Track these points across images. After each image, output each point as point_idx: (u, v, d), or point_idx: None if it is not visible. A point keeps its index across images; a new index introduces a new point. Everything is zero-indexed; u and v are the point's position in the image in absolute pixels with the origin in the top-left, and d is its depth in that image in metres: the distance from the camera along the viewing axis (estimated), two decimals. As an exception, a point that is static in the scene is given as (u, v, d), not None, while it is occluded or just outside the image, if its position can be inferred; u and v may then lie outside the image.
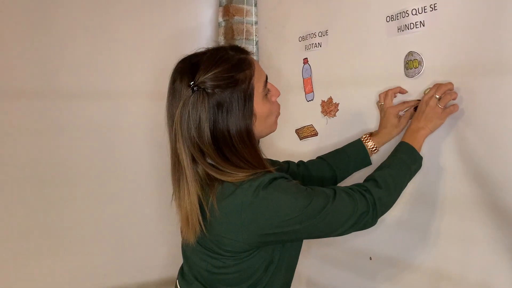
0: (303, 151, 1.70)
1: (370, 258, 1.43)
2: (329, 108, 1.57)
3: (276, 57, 1.83)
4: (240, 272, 1.10)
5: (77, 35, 1.62)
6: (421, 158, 1.20)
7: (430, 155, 1.24)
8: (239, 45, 1.14)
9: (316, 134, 1.64)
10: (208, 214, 1.05)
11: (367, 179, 1.15)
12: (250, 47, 1.95)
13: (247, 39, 1.94)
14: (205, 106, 1.03)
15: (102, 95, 1.66)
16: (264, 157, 1.15)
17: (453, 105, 1.16)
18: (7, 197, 1.53)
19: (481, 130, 1.13)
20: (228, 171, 1.04)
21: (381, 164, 1.19)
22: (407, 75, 1.29)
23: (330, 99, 1.57)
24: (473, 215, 1.15)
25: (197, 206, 1.06)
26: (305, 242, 1.65)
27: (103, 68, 1.65)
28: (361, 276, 1.47)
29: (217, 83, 1.03)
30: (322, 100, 1.60)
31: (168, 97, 1.08)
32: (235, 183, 1.03)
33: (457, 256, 1.19)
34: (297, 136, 1.72)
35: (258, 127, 1.11)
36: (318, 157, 1.44)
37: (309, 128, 1.66)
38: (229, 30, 1.93)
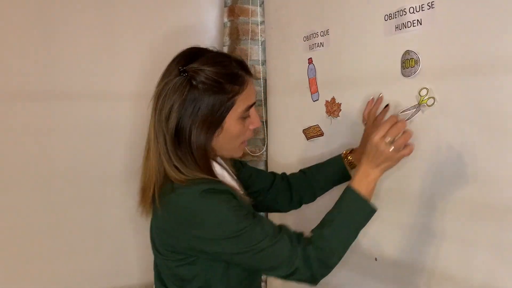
0: (310, 151, 1.69)
1: (376, 259, 1.41)
2: (332, 108, 1.56)
3: (282, 57, 1.83)
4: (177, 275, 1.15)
5: (77, 35, 1.65)
6: (370, 207, 1.12)
7: (436, 158, 1.21)
8: (246, 63, 1.16)
9: (322, 134, 1.63)
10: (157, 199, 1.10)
11: (314, 233, 1.12)
12: (256, 47, 1.95)
13: (252, 39, 1.94)
14: (183, 95, 1.05)
15: (102, 95, 1.69)
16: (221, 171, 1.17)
17: (408, 146, 1.10)
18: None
19: (483, 130, 1.09)
20: (177, 165, 1.07)
21: (326, 217, 1.14)
22: (403, 74, 1.27)
23: (333, 99, 1.55)
24: (479, 217, 1.12)
25: (153, 181, 1.10)
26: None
27: (104, 68, 1.67)
28: (366, 277, 1.45)
29: (204, 80, 1.06)
30: (326, 100, 1.59)
31: (163, 72, 1.12)
32: (175, 183, 1.06)
33: (462, 258, 1.16)
34: (304, 136, 1.71)
35: (220, 141, 1.12)
36: (300, 170, 1.47)
37: (315, 128, 1.65)
38: (234, 31, 1.93)
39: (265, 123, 1.96)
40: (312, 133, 1.68)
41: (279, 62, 1.86)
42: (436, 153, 1.21)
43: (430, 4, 1.18)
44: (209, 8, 1.92)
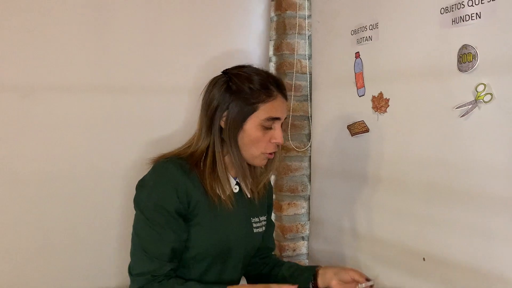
0: (355, 147, 1.67)
1: (424, 259, 1.38)
2: (379, 103, 1.53)
3: (329, 52, 1.81)
4: None
5: (131, 31, 1.66)
6: None
7: (491, 156, 1.17)
8: (282, 83, 1.33)
9: (367, 131, 1.60)
10: None
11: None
12: (302, 42, 1.93)
13: (299, 33, 1.93)
14: (220, 91, 1.26)
15: (154, 90, 1.69)
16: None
17: None
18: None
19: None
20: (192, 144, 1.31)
21: None
22: (460, 69, 1.23)
23: (381, 94, 1.52)
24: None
25: None
26: (354, 237, 1.64)
27: (156, 64, 1.67)
28: (414, 277, 1.42)
29: (238, 82, 1.25)
30: (373, 96, 1.56)
31: None
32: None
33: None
34: (348, 132, 1.69)
35: (240, 143, 1.26)
36: (280, 263, 1.52)
37: (360, 124, 1.63)
38: (281, 25, 1.92)
39: (310, 118, 1.94)
40: (357, 129, 1.65)
41: (325, 57, 1.84)
42: (493, 151, 1.17)
43: (490, -3, 1.14)
44: (256, 2, 1.90)
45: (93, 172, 1.61)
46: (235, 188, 1.33)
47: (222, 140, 1.28)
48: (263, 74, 1.29)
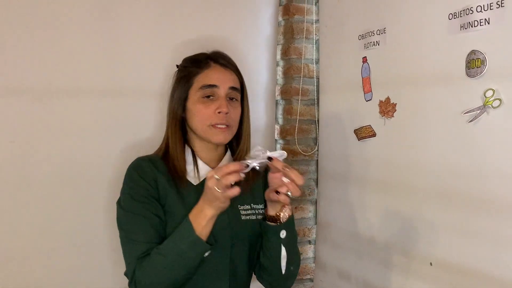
0: (361, 152, 1.68)
1: (431, 264, 1.38)
2: (386, 108, 1.53)
3: (336, 56, 1.82)
4: None
5: (138, 36, 1.68)
6: (200, 241, 1.12)
7: (500, 161, 1.18)
8: (220, 54, 1.34)
9: (374, 135, 1.61)
10: None
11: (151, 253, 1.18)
12: (310, 46, 1.94)
13: (307, 38, 1.93)
14: (173, 83, 1.34)
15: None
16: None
17: (234, 188, 1.07)
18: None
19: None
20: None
21: (161, 246, 1.17)
22: (468, 74, 1.23)
23: (388, 99, 1.53)
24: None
25: None
26: (361, 242, 1.63)
27: (164, 68, 1.67)
28: (421, 282, 1.42)
29: (180, 68, 1.34)
30: (380, 100, 1.57)
31: None
32: None
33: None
34: (355, 136, 1.70)
35: (190, 121, 1.29)
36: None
37: (367, 129, 1.63)
38: (289, 29, 1.93)
39: (317, 122, 1.95)
40: (364, 133, 1.66)
41: (332, 61, 1.85)
42: (502, 156, 1.17)
43: (499, 3, 1.15)
44: (264, 7, 1.91)
45: (88, 175, 1.61)
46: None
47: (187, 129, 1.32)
48: (200, 53, 1.34)
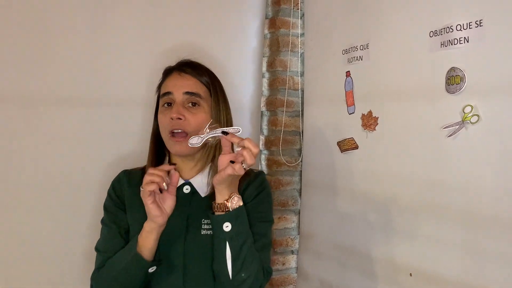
0: (344, 164, 1.70)
1: (410, 275, 1.41)
2: (369, 121, 1.57)
3: (321, 69, 1.85)
4: None
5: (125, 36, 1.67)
6: (139, 256, 1.11)
7: (477, 175, 1.21)
8: (186, 61, 1.31)
9: (356, 147, 1.64)
10: None
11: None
12: (295, 59, 1.97)
13: (292, 51, 1.96)
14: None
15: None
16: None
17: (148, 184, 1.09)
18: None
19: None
20: None
21: (113, 258, 1.19)
22: (448, 90, 1.27)
23: (370, 112, 1.56)
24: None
25: None
26: (343, 252, 1.65)
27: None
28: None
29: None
30: (362, 114, 1.60)
31: None
32: None
33: (502, 276, 1.16)
34: (338, 148, 1.72)
35: (160, 132, 1.26)
36: None
37: (350, 141, 1.66)
38: (275, 42, 1.96)
39: (301, 133, 1.98)
40: (346, 145, 1.68)
41: (317, 74, 1.88)
42: (479, 170, 1.21)
43: (478, 22, 1.19)
44: (250, 20, 1.94)
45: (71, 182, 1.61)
46: (186, 189, 1.24)
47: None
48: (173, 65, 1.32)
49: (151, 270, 1.13)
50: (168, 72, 1.30)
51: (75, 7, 1.58)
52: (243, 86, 1.94)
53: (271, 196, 1.34)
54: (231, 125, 1.28)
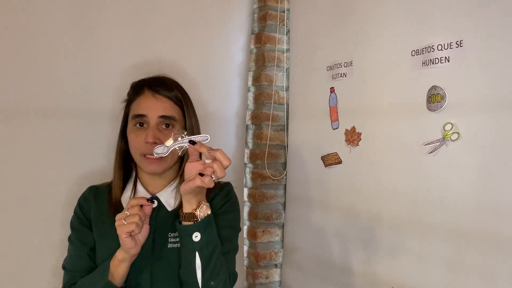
0: (328, 178, 1.72)
1: (392, 288, 1.43)
2: (352, 137, 1.59)
3: (305, 85, 1.87)
4: None
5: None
6: (110, 285, 1.11)
7: (457, 191, 1.24)
8: (160, 81, 1.27)
9: (340, 162, 1.66)
10: None
11: None
12: (280, 74, 2.00)
13: (277, 66, 1.99)
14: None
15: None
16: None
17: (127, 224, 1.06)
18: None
19: (508, 166, 1.13)
20: None
21: (83, 280, 1.18)
22: (429, 108, 1.31)
23: (353, 128, 1.59)
24: (501, 251, 1.15)
25: None
26: (326, 266, 1.65)
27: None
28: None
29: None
30: (346, 129, 1.62)
31: None
32: None
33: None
34: (322, 162, 1.74)
35: (130, 150, 1.24)
36: None
37: (333, 156, 1.68)
38: (260, 57, 1.98)
39: (286, 147, 2.00)
40: (330, 160, 1.70)
41: (301, 89, 1.91)
42: (459, 187, 1.24)
43: (459, 43, 1.23)
44: (237, 35, 1.96)
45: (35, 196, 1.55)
46: (154, 203, 1.19)
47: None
48: (142, 79, 1.28)
49: None
50: (139, 89, 1.25)
51: (49, 22, 1.54)
52: (229, 100, 1.95)
53: (238, 206, 1.34)
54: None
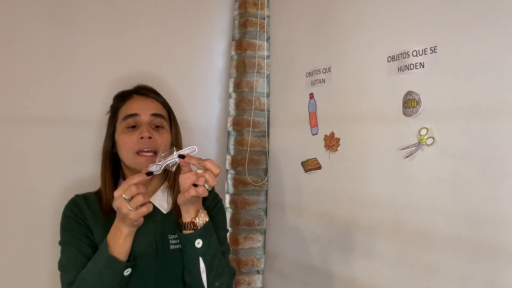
0: (308, 183, 1.73)
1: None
2: (331, 142, 1.60)
3: (285, 91, 1.89)
4: None
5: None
6: (114, 259, 1.10)
7: (432, 195, 1.26)
8: (143, 86, 1.36)
9: (319, 168, 1.67)
10: None
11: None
12: (261, 80, 2.01)
13: (258, 72, 2.00)
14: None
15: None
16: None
17: (146, 205, 1.07)
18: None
19: (480, 171, 1.14)
20: None
21: (83, 269, 1.17)
22: (405, 113, 1.32)
23: (332, 133, 1.60)
24: (473, 254, 1.16)
25: None
26: (307, 272, 1.66)
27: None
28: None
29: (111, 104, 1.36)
30: (325, 135, 1.64)
31: None
32: None
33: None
34: (302, 168, 1.75)
35: (119, 154, 1.28)
36: None
37: (313, 161, 1.69)
38: (241, 64, 1.99)
39: (267, 153, 2.00)
40: (310, 165, 1.71)
41: (282, 96, 1.92)
42: (434, 191, 1.25)
43: (433, 49, 1.25)
44: (217, 41, 1.96)
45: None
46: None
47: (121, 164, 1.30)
48: (127, 89, 1.35)
49: (126, 273, 1.13)
50: (125, 96, 1.32)
51: (36, 28, 1.55)
52: (210, 106, 1.95)
53: (224, 208, 1.42)
54: (181, 143, 1.35)
